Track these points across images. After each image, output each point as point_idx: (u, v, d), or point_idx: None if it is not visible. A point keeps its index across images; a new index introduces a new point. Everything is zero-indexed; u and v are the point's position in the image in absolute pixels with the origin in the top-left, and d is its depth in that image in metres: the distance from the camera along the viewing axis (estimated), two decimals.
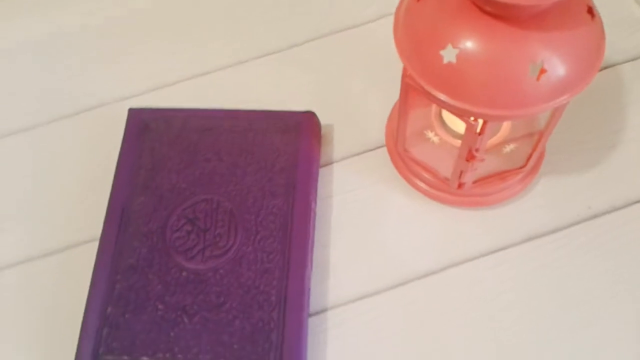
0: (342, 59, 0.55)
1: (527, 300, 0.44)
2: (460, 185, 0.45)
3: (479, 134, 0.38)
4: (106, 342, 0.41)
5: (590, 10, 0.35)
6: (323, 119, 0.52)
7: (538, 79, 0.34)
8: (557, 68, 0.34)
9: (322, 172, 0.50)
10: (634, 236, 0.46)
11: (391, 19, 0.53)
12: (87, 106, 0.54)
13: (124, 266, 0.43)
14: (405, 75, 0.39)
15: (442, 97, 0.35)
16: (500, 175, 0.46)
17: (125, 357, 0.41)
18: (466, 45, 0.34)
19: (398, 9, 0.38)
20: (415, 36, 0.36)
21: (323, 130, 0.52)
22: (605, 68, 0.52)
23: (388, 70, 0.49)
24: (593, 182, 0.48)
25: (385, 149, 0.50)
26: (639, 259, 0.45)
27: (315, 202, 0.47)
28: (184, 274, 0.43)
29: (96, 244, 0.45)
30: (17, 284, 0.46)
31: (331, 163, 0.51)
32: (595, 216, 0.47)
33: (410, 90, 0.40)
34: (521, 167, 0.46)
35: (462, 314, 0.44)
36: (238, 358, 0.40)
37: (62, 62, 0.57)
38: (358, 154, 0.51)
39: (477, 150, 0.40)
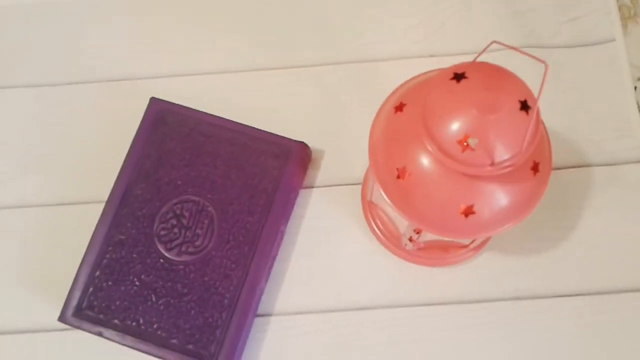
0: (353, 89, 0.60)
1: (437, 353, 0.52)
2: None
3: (416, 232, 0.45)
4: (89, 299, 0.51)
5: (535, 167, 0.40)
6: (317, 143, 0.58)
7: (466, 217, 0.39)
8: (484, 213, 0.39)
9: (303, 192, 0.57)
10: (544, 324, 0.52)
11: (409, 62, 0.58)
12: (120, 76, 0.61)
13: (115, 240, 0.53)
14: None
15: (388, 201, 0.42)
16: (444, 248, 0.52)
17: (101, 316, 0.51)
18: (414, 171, 0.39)
19: (379, 111, 0.43)
20: (383, 143, 0.42)
21: (314, 155, 0.58)
22: (581, 166, 0.56)
23: None
24: (529, 267, 0.54)
25: (360, 187, 0.57)
26: (539, 346, 0.52)
27: (286, 225, 0.55)
28: (161, 261, 0.52)
29: (99, 206, 0.54)
30: (29, 224, 0.56)
31: (312, 187, 0.57)
32: (518, 298, 0.54)
33: None
34: (464, 246, 0.52)
35: (379, 350, 0.52)
36: (187, 341, 0.50)
37: (105, 27, 0.62)
38: (337, 185, 0.57)
39: (417, 236, 0.46)
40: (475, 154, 0.35)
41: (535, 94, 0.35)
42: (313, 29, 0.62)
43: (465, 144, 0.35)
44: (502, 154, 0.36)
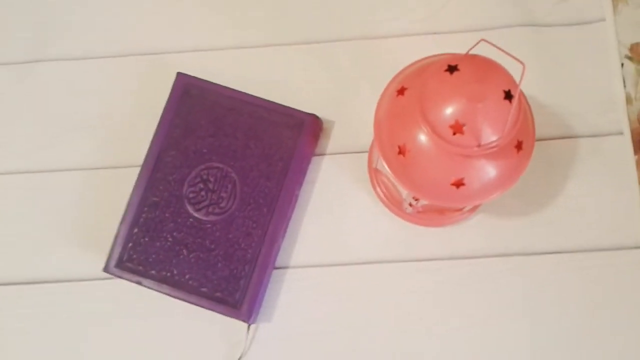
0: (362, 64, 0.65)
1: (431, 303, 0.60)
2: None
3: (415, 199, 0.51)
4: (129, 253, 0.59)
5: (519, 145, 0.46)
6: (329, 114, 0.64)
7: (457, 188, 0.46)
8: (474, 184, 0.46)
9: (315, 159, 0.64)
10: (530, 278, 0.60)
11: (413, 39, 0.63)
12: (150, 50, 0.66)
13: (150, 201, 0.60)
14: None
15: (390, 174, 0.48)
16: (440, 211, 0.59)
17: (140, 267, 0.59)
18: (413, 148, 0.46)
19: (383, 93, 0.49)
20: (386, 122, 0.48)
21: (325, 125, 0.64)
22: (567, 137, 0.62)
23: None
24: (517, 228, 0.61)
25: (366, 155, 0.63)
26: (525, 297, 0.59)
27: (300, 189, 0.62)
28: (191, 220, 0.59)
29: (135, 170, 0.61)
30: (74, 186, 0.63)
31: (323, 154, 0.64)
32: (506, 255, 0.61)
33: None
34: (459, 209, 0.59)
35: (381, 299, 0.60)
36: (215, 289, 0.58)
37: (136, 4, 0.68)
38: (346, 153, 0.64)
39: (416, 202, 0.53)
40: (464, 136, 0.41)
41: (522, 72, 0.41)
42: (325, 7, 0.67)
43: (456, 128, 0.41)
44: (488, 136, 0.42)
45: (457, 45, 0.64)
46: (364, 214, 0.62)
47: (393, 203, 0.60)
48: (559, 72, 0.64)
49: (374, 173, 0.61)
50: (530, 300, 0.59)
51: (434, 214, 0.60)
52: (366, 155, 0.63)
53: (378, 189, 0.61)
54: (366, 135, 0.63)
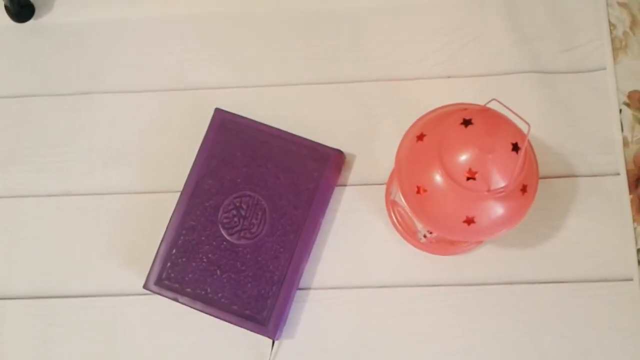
0: (383, 104, 0.71)
1: (443, 324, 0.65)
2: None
3: (429, 232, 0.57)
4: (167, 272, 0.65)
5: (524, 188, 0.52)
6: (351, 148, 0.70)
7: (468, 225, 0.52)
8: (483, 222, 0.52)
9: (338, 189, 0.70)
10: (532, 305, 0.65)
11: (430, 82, 0.69)
12: (192, 85, 0.73)
13: (188, 225, 0.66)
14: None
15: (408, 210, 0.54)
16: (451, 242, 0.65)
17: (177, 285, 0.65)
18: (430, 189, 0.52)
19: (404, 137, 0.55)
20: (406, 164, 0.54)
21: (347, 158, 0.70)
22: (568, 176, 0.68)
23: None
24: (521, 258, 0.66)
25: (385, 187, 0.69)
26: (526, 322, 0.65)
27: (323, 217, 0.68)
28: (224, 243, 0.65)
29: (174, 195, 0.67)
30: (118, 208, 0.70)
31: (345, 185, 0.70)
32: (511, 283, 0.66)
33: None
34: (469, 242, 0.65)
35: (394, 320, 0.66)
36: (244, 307, 0.64)
37: (179, 41, 0.74)
38: (366, 184, 0.70)
39: (430, 235, 0.59)
40: (476, 182, 0.47)
41: (527, 131, 0.47)
42: (351, 51, 0.73)
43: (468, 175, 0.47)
44: (497, 182, 0.48)
45: (470, 88, 0.71)
46: (380, 242, 0.68)
47: (408, 232, 0.66)
48: (562, 115, 0.70)
49: (391, 204, 0.67)
50: (532, 325, 0.65)
51: (445, 244, 0.65)
52: (384, 187, 0.69)
53: (394, 219, 0.67)
54: (385, 168, 0.69)
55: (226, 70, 0.73)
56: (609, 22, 0.72)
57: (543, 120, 0.70)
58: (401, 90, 0.72)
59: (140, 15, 0.75)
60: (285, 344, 0.66)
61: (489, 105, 0.49)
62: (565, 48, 0.72)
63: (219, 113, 0.69)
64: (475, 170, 0.47)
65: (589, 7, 0.73)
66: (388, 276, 0.67)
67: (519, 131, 0.48)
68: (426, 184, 0.52)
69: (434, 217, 0.53)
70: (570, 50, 0.71)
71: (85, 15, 0.76)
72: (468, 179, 0.47)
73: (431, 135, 0.52)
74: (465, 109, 0.50)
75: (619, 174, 0.68)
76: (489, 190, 0.48)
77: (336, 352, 0.65)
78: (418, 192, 0.52)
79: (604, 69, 0.71)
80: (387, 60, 0.73)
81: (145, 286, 0.65)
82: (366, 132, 0.71)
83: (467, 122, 0.48)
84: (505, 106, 0.46)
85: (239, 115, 0.69)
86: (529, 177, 0.52)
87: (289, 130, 0.68)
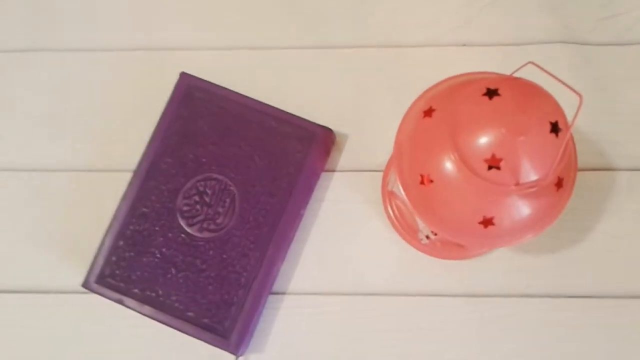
0: (383, 75, 0.59)
1: (442, 342, 0.54)
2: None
3: (433, 233, 0.45)
4: (112, 267, 0.53)
5: (560, 183, 0.40)
6: (342, 127, 0.58)
7: (485, 227, 0.40)
8: (504, 224, 0.40)
9: (324, 176, 0.58)
10: (551, 324, 0.54)
11: (441, 50, 0.57)
12: (154, 45, 0.61)
13: (139, 212, 0.54)
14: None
15: (408, 204, 0.42)
16: (460, 244, 0.53)
17: (122, 285, 0.53)
18: (438, 179, 0.40)
19: (408, 112, 0.43)
20: (409, 146, 0.42)
21: (338, 138, 0.58)
22: (605, 169, 0.56)
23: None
24: (542, 265, 0.55)
25: (381, 174, 0.57)
26: (543, 345, 0.53)
27: (305, 208, 0.56)
28: (182, 236, 0.53)
29: (126, 175, 0.55)
30: (58, 187, 0.58)
31: (334, 170, 0.58)
32: (528, 295, 0.55)
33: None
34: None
35: (386, 335, 0.54)
36: (202, 315, 0.52)
37: None
38: (359, 171, 0.58)
39: (434, 236, 0.47)
40: (500, 173, 0.35)
41: (569, 112, 0.35)
42: (347, 10, 0.61)
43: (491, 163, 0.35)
44: (528, 174, 0.36)
45: (488, 59, 0.59)
46: (373, 240, 0.56)
47: (407, 231, 0.54)
48: (599, 96, 0.58)
49: (388, 195, 0.55)
50: (552, 347, 0.53)
51: (453, 246, 0.54)
52: (381, 174, 0.57)
53: (391, 214, 0.55)
54: (382, 153, 0.57)
55: (196, 29, 0.61)
56: None
57: (576, 99, 0.57)
58: (405, 60, 0.60)
59: None
60: (252, 359, 0.54)
61: (521, 73, 0.37)
62: (605, 15, 0.59)
63: (185, 78, 0.57)
64: (500, 157, 0.35)
65: None
66: (381, 282, 0.55)
67: (559, 108, 0.37)
68: (433, 172, 0.40)
69: (441, 216, 0.41)
70: (611, 18, 0.59)
71: None
72: (490, 167, 0.36)
73: (443, 109, 0.40)
74: (490, 77, 0.38)
75: None
76: (517, 184, 0.36)
77: None
78: (422, 182, 0.40)
79: None
80: (389, 23, 0.60)
81: (84, 284, 0.53)
82: (361, 108, 0.59)
83: (491, 93, 0.36)
84: (546, 71, 0.34)
85: (209, 82, 0.56)
86: (567, 168, 0.41)
87: (269, 103, 0.56)
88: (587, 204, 0.56)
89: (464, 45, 0.59)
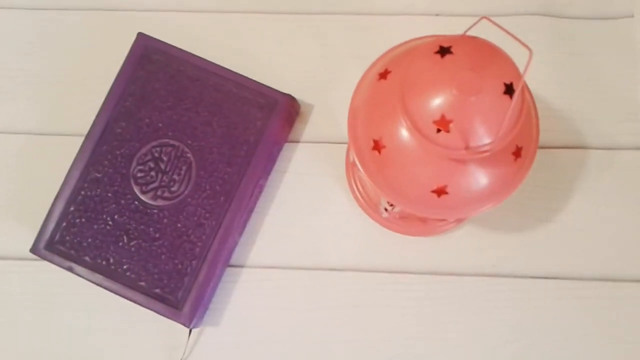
0: (352, 43, 0.57)
1: (405, 321, 0.52)
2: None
3: (390, 204, 0.43)
4: (62, 234, 0.51)
5: (518, 152, 0.38)
6: (308, 97, 0.56)
7: (438, 197, 0.38)
8: (458, 193, 0.38)
9: (288, 146, 0.56)
10: (518, 304, 0.52)
11: (413, 19, 0.55)
12: (111, 5, 0.58)
13: (91, 177, 0.52)
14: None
15: (361, 170, 0.40)
16: (422, 219, 0.51)
17: (72, 252, 0.51)
18: (390, 144, 0.38)
19: (364, 75, 0.41)
20: (363, 111, 0.40)
21: (302, 108, 0.56)
22: (576, 147, 0.54)
23: None
24: (509, 245, 0.53)
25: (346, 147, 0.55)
26: (508, 326, 0.52)
27: (266, 179, 0.54)
28: (136, 203, 0.51)
29: (78, 139, 0.53)
30: (7, 151, 0.56)
31: (298, 142, 0.56)
32: (495, 275, 0.53)
33: None
34: (443, 219, 0.51)
35: (345, 312, 0.52)
36: (154, 285, 0.50)
37: None
38: (323, 142, 0.56)
39: (391, 208, 0.45)
40: (450, 135, 0.33)
41: (528, 60, 0.32)
42: None
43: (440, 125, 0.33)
44: (479, 138, 0.34)
45: (461, 30, 0.56)
46: (337, 214, 0.54)
47: (370, 205, 0.53)
48: (574, 72, 0.56)
49: (351, 168, 0.53)
50: (518, 329, 0.52)
51: (415, 221, 0.52)
52: (345, 146, 0.55)
53: (355, 188, 0.53)
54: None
55: None
56: None
57: (549, 74, 0.55)
58: (376, 28, 0.57)
59: None
60: (207, 332, 0.53)
61: (478, 29, 0.35)
62: None
63: (142, 39, 0.54)
64: (450, 119, 0.33)
65: None
66: (344, 257, 0.54)
67: (516, 69, 0.34)
68: (385, 137, 0.38)
69: (394, 184, 0.39)
70: None
71: None
72: (439, 130, 0.34)
73: (398, 71, 0.38)
74: (446, 37, 0.36)
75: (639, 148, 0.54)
76: (467, 148, 0.34)
77: (270, 345, 0.52)
78: (375, 148, 0.39)
79: (631, 16, 0.56)
80: None
81: (32, 250, 0.51)
82: (328, 77, 0.57)
83: (444, 51, 0.34)
84: (498, 26, 0.32)
85: (167, 44, 0.54)
86: (526, 137, 0.38)
87: (230, 68, 0.54)
88: (557, 183, 0.54)
89: (437, 15, 0.57)
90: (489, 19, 0.33)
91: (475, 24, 0.34)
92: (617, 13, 0.56)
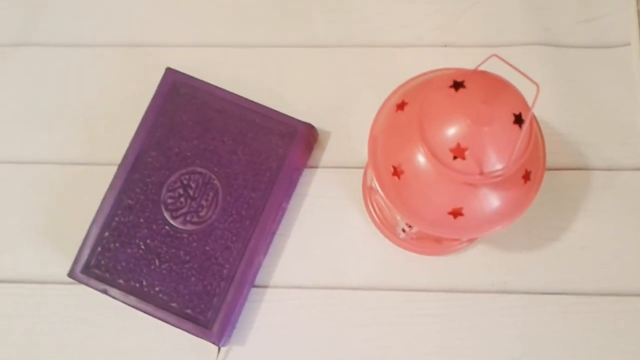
0: (366, 73, 0.61)
1: (421, 337, 0.55)
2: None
3: (408, 225, 0.46)
4: (97, 258, 0.54)
5: (527, 175, 0.41)
6: (325, 124, 0.59)
7: (455, 218, 0.41)
8: (473, 215, 0.41)
9: (307, 171, 0.59)
10: (527, 319, 0.55)
11: (422, 50, 0.58)
12: (139, 42, 0.62)
13: (124, 204, 0.55)
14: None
15: (382, 195, 0.43)
16: (437, 239, 0.54)
17: (107, 275, 0.54)
18: (408, 170, 0.41)
19: (382, 106, 0.45)
20: (382, 139, 0.43)
21: (320, 135, 0.59)
22: (580, 169, 0.57)
23: None
24: (519, 263, 0.56)
25: (362, 171, 0.58)
26: (520, 340, 0.54)
27: (288, 202, 0.57)
28: (166, 228, 0.55)
29: (112, 168, 0.56)
30: (46, 180, 0.59)
31: (316, 167, 0.59)
32: (505, 292, 0.56)
33: None
34: (456, 239, 0.54)
35: (365, 329, 0.55)
36: (185, 306, 0.53)
37: None
38: (341, 167, 0.59)
39: (409, 229, 0.48)
40: (465, 162, 0.37)
41: (535, 94, 0.36)
42: (330, 9, 0.62)
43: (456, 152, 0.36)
44: (492, 164, 0.37)
45: (469, 60, 0.59)
46: (354, 235, 0.57)
47: (386, 226, 0.56)
48: (576, 97, 0.59)
49: (368, 192, 0.57)
50: (528, 344, 0.54)
51: (430, 241, 0.55)
52: (362, 171, 0.58)
53: (372, 210, 0.56)
54: (364, 149, 0.56)
55: (182, 26, 0.63)
56: None
57: (553, 101, 0.59)
58: (388, 59, 0.61)
59: None
60: (235, 351, 0.55)
61: (488, 64, 0.38)
62: (583, 18, 0.61)
63: (170, 74, 0.58)
64: (465, 147, 0.36)
65: None
66: (362, 277, 0.57)
67: (523, 100, 0.38)
68: (404, 163, 0.41)
69: (413, 206, 0.42)
70: (589, 22, 0.61)
71: None
72: (455, 157, 0.37)
73: (414, 103, 0.41)
74: (458, 71, 0.40)
75: (639, 169, 0.57)
76: (481, 174, 0.37)
77: None
78: (394, 174, 0.42)
79: (628, 44, 0.60)
80: (371, 23, 0.62)
81: (70, 274, 0.54)
82: (343, 106, 0.60)
83: (457, 85, 0.37)
84: (507, 63, 0.35)
85: (194, 78, 0.58)
86: (534, 161, 0.42)
87: (253, 99, 0.57)
88: (562, 203, 0.57)
89: (445, 46, 0.61)
90: (498, 57, 0.36)
91: (485, 60, 0.37)
92: (614, 42, 0.60)
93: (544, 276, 0.56)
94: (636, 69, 0.59)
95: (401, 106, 0.42)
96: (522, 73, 0.35)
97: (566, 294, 0.55)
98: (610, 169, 0.57)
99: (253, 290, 0.56)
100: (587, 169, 0.57)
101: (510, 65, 0.35)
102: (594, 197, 0.57)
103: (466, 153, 0.36)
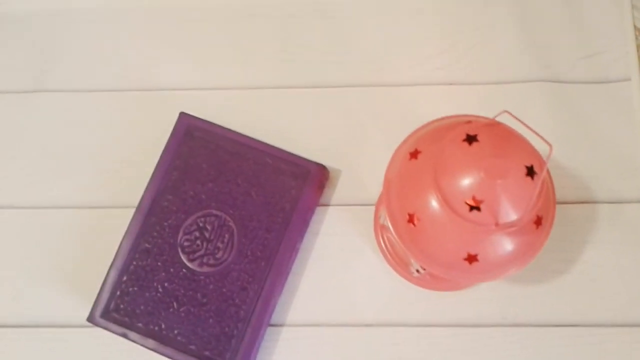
0: (373, 112, 0.62)
1: None
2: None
3: (423, 268, 0.48)
4: (116, 302, 0.55)
5: (539, 221, 0.42)
6: (335, 163, 0.61)
7: (470, 263, 0.42)
8: (488, 260, 0.42)
9: (319, 209, 0.60)
10: (540, 352, 0.56)
11: (428, 89, 0.60)
12: (152, 86, 0.64)
13: (142, 248, 0.56)
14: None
15: (398, 241, 0.45)
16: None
17: (126, 319, 0.55)
18: (424, 218, 0.42)
19: (395, 153, 0.46)
20: (396, 186, 0.45)
21: (331, 174, 0.61)
22: (586, 202, 0.59)
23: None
24: (529, 295, 0.57)
25: (373, 208, 0.60)
26: None
27: (301, 242, 0.58)
28: (184, 271, 0.56)
29: (128, 211, 0.58)
30: (63, 225, 0.60)
31: (328, 205, 0.60)
32: (517, 325, 0.57)
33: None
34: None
35: None
36: (204, 348, 0.54)
37: (141, 36, 0.65)
38: (352, 205, 0.60)
39: (423, 271, 0.50)
40: (481, 214, 0.38)
41: (549, 153, 0.37)
42: (339, 50, 0.64)
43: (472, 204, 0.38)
44: (507, 215, 0.38)
45: (474, 98, 0.62)
46: (367, 272, 0.58)
47: (398, 263, 0.57)
48: (579, 132, 0.61)
49: (379, 229, 0.58)
50: None
51: (441, 278, 0.56)
52: (373, 208, 0.60)
53: (384, 246, 0.58)
54: (374, 187, 0.60)
55: (194, 70, 0.64)
56: (634, 26, 0.63)
57: (556, 137, 0.60)
58: (395, 98, 0.63)
59: (99, 4, 0.66)
60: None
61: (498, 119, 0.40)
62: (583, 55, 0.63)
63: (184, 118, 0.59)
64: (481, 199, 0.38)
65: (612, 9, 0.64)
66: (375, 313, 0.58)
67: (534, 152, 0.39)
68: (420, 211, 0.42)
69: (429, 252, 0.44)
70: (589, 58, 0.62)
71: (36, 2, 0.66)
72: (471, 209, 0.38)
73: (427, 152, 0.43)
74: (470, 122, 0.41)
75: None
76: (497, 224, 0.38)
77: None
78: (410, 221, 0.43)
79: (629, 79, 0.62)
80: (379, 64, 0.64)
81: (90, 319, 0.55)
82: (353, 145, 0.62)
83: (471, 139, 0.39)
84: (519, 120, 0.37)
85: (207, 121, 0.59)
86: (545, 208, 0.43)
87: (264, 141, 0.59)
88: (570, 236, 0.58)
89: (451, 84, 0.62)
90: (509, 113, 0.38)
91: (497, 115, 0.39)
92: (615, 77, 0.62)
93: (554, 308, 0.57)
94: (637, 104, 0.61)
95: (414, 154, 0.44)
96: (534, 132, 0.36)
97: (577, 325, 0.56)
98: (615, 202, 0.59)
99: (269, 329, 0.57)
100: (593, 202, 0.59)
101: (522, 122, 0.37)
102: (601, 229, 0.58)
103: (482, 205, 0.38)
